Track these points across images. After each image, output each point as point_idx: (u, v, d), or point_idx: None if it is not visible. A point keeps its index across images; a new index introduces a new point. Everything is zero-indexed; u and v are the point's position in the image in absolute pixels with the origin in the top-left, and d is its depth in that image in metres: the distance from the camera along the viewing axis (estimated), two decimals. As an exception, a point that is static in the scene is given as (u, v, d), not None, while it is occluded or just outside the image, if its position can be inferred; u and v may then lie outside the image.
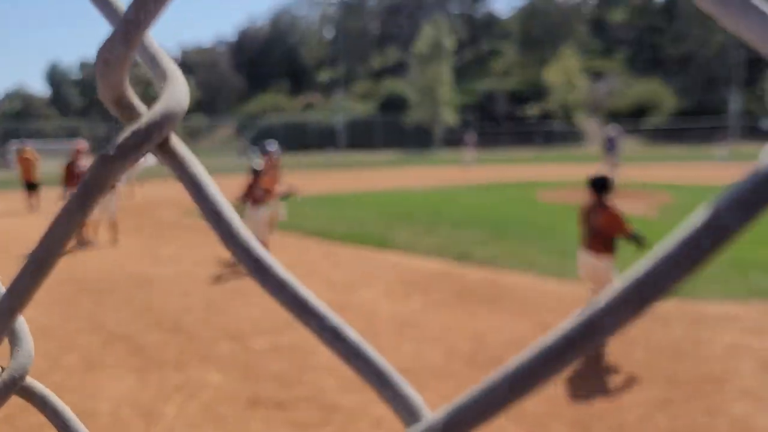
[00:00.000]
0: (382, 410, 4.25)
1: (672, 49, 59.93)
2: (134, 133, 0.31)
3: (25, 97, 78.75)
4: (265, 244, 9.01)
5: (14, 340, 0.42)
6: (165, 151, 0.33)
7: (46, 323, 6.25)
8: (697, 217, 0.22)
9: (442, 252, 9.44)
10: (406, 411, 0.30)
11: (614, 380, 4.66)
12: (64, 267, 8.86)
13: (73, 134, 45.86)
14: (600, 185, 5.37)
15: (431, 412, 0.29)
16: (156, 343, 5.53)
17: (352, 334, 0.32)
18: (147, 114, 0.31)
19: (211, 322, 6.25)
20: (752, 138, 40.86)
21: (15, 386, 0.41)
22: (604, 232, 5.30)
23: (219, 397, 4.48)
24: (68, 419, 0.44)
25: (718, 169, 24.17)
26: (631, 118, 50.59)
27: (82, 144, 11.79)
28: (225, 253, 8.97)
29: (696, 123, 46.90)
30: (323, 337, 0.31)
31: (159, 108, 0.31)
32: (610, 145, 20.20)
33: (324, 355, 5.24)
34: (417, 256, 9.25)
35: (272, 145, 10.35)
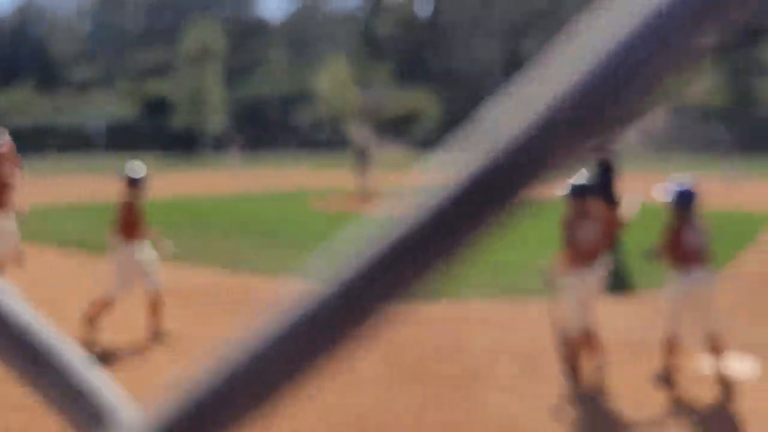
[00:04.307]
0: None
1: (437, 62, 64.39)
2: None
3: None
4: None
5: None
6: None
7: None
8: None
9: (210, 261, 8.86)
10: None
11: (385, 380, 4.68)
12: None
13: None
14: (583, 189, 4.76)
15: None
16: None
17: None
18: None
19: None
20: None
21: None
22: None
23: None
24: None
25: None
26: (399, 126, 53.32)
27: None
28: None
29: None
30: None
31: None
32: (359, 153, 20.10)
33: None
34: (183, 266, 8.54)
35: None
